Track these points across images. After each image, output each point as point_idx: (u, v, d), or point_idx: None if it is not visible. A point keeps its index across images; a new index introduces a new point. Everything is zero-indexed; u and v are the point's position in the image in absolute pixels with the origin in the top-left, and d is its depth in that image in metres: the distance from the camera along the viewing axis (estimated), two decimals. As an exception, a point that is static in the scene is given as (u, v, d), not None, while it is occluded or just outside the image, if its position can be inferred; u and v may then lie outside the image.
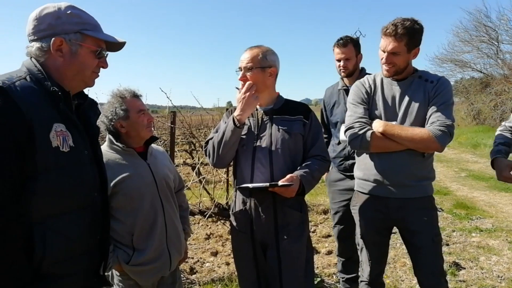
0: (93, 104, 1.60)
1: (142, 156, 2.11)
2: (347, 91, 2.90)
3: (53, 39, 1.36)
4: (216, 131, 2.28)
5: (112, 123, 2.03)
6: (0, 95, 1.20)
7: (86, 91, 1.62)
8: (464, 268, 3.96)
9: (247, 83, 2.11)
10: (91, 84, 1.51)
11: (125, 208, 1.99)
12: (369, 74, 2.87)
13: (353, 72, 3.01)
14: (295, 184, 2.01)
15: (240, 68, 2.18)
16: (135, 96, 2.09)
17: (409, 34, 2.12)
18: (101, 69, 1.52)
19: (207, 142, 2.28)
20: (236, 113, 2.10)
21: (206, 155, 2.28)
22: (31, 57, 1.40)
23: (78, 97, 1.52)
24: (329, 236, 4.83)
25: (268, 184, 2.00)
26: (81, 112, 1.50)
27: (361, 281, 2.55)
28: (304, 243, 2.18)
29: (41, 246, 1.27)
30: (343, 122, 2.72)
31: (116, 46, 1.55)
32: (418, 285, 2.36)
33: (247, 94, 2.09)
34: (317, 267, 3.85)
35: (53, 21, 1.37)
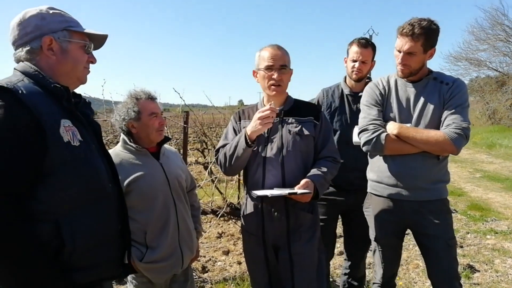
0: (87, 103, 1.63)
1: (155, 156, 2.14)
2: (354, 97, 2.80)
3: (43, 38, 1.39)
4: (225, 137, 2.26)
5: (124, 122, 2.06)
6: (6, 95, 1.23)
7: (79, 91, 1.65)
8: (479, 271, 3.90)
9: (273, 108, 2.00)
10: (84, 80, 1.55)
11: (138, 206, 2.02)
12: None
13: (364, 77, 2.82)
14: (311, 190, 1.99)
15: (268, 66, 2.07)
16: (150, 99, 2.10)
17: (426, 34, 2.09)
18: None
19: (217, 150, 2.26)
20: (249, 129, 2.02)
21: (217, 163, 2.26)
22: (22, 61, 1.41)
23: (73, 96, 1.54)
24: (341, 236, 4.79)
25: (287, 192, 1.96)
26: (79, 110, 1.52)
27: (374, 283, 2.54)
28: (315, 245, 2.17)
29: (70, 240, 1.31)
30: (344, 129, 2.68)
31: (98, 42, 1.57)
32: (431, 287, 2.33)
33: (269, 117, 1.98)
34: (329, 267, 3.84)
35: (38, 22, 1.39)
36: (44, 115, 1.27)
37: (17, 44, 1.42)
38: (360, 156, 2.56)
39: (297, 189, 1.97)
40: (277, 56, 2.07)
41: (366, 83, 2.73)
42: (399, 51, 2.18)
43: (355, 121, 2.57)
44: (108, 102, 5.02)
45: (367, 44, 2.75)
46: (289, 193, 1.96)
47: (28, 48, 1.40)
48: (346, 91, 2.85)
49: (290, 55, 2.16)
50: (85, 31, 1.48)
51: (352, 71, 2.78)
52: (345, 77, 2.91)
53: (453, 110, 2.13)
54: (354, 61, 2.76)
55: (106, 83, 4.28)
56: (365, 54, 2.74)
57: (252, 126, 2.02)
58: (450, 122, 2.11)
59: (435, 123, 2.18)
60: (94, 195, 1.43)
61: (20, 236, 1.21)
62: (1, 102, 1.21)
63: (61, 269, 1.30)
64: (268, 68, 2.07)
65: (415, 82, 2.26)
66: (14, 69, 1.41)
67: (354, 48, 2.76)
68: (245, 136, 2.03)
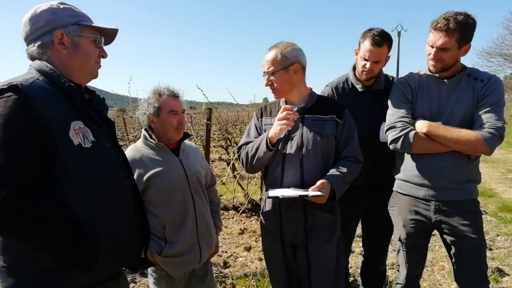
0: (101, 100, 1.63)
1: (175, 152, 2.17)
2: (368, 92, 2.56)
3: (54, 32, 1.39)
4: (248, 134, 2.28)
5: (145, 117, 2.11)
6: (18, 96, 1.24)
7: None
8: (508, 275, 3.75)
9: (287, 108, 2.03)
10: (96, 74, 1.55)
11: (157, 201, 2.06)
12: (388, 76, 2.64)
13: (375, 76, 2.54)
14: (325, 192, 1.95)
15: (264, 72, 2.12)
16: (173, 96, 2.12)
17: (461, 30, 2.00)
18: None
19: (240, 147, 2.28)
20: (270, 134, 2.04)
21: (239, 160, 2.28)
22: (39, 59, 1.42)
23: (87, 92, 1.55)
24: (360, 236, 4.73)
25: (298, 195, 1.93)
26: (92, 106, 1.53)
27: (397, 284, 2.50)
28: (334, 244, 2.14)
29: (95, 244, 1.32)
30: (362, 128, 2.42)
31: (109, 37, 1.57)
32: (457, 291, 2.26)
33: (289, 119, 2.00)
34: (351, 266, 3.79)
35: (50, 17, 1.40)
36: (53, 119, 1.28)
37: (29, 39, 1.43)
38: (375, 154, 2.48)
39: (310, 191, 1.94)
40: (265, 61, 2.10)
41: (378, 77, 2.57)
42: (432, 46, 2.09)
43: (368, 118, 2.47)
44: (134, 99, 5.14)
45: (382, 42, 2.36)
46: (300, 195, 1.93)
47: (39, 42, 1.40)
48: (358, 87, 2.58)
49: (295, 49, 2.09)
50: (95, 25, 1.49)
51: (363, 71, 2.47)
52: (354, 68, 2.63)
53: (487, 109, 2.04)
54: (366, 59, 2.42)
55: (132, 80, 4.38)
56: (379, 54, 2.39)
57: (272, 130, 2.03)
58: (484, 121, 2.02)
59: (468, 122, 2.09)
60: (110, 196, 1.44)
61: (41, 217, 1.23)
62: (13, 99, 1.23)
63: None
64: (263, 73, 2.13)
65: (448, 78, 2.17)
66: (30, 66, 1.42)
67: (367, 45, 2.39)
68: (266, 140, 2.04)
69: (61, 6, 1.44)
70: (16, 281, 1.33)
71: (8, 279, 1.33)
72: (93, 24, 1.48)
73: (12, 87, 1.25)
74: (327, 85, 2.72)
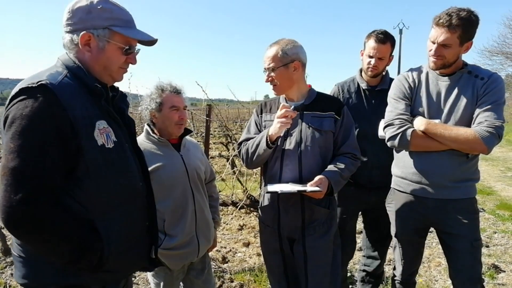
0: (124, 96, 1.62)
1: (176, 147, 2.20)
2: (371, 91, 2.68)
3: (81, 33, 1.37)
4: (248, 131, 2.31)
5: (147, 111, 2.14)
6: (46, 94, 1.23)
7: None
8: (504, 271, 3.79)
9: (285, 106, 2.05)
10: (119, 79, 1.52)
11: (157, 195, 2.06)
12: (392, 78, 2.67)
13: (380, 73, 2.66)
14: (323, 187, 1.98)
15: (264, 68, 2.14)
16: (175, 92, 2.15)
17: (463, 26, 1.97)
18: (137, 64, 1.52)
19: (240, 144, 2.30)
20: (270, 131, 2.06)
21: (239, 156, 2.31)
22: (67, 52, 1.42)
23: (111, 89, 1.55)
24: (361, 232, 4.76)
25: (296, 190, 1.97)
26: (115, 104, 1.53)
27: (393, 280, 2.52)
28: (330, 239, 2.18)
29: (108, 244, 1.33)
30: (363, 126, 2.57)
31: (148, 42, 1.53)
32: (452, 287, 2.28)
33: (288, 117, 2.01)
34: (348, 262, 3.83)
35: (84, 16, 1.38)
36: (79, 120, 1.28)
37: (64, 29, 1.41)
38: (380, 152, 2.53)
39: (308, 187, 1.97)
40: (266, 57, 2.12)
41: (383, 77, 2.67)
42: (433, 42, 2.06)
43: (373, 117, 2.52)
44: (134, 96, 5.16)
45: (385, 39, 2.54)
46: (298, 191, 1.97)
47: (69, 38, 1.40)
48: (363, 86, 2.71)
49: (296, 46, 2.11)
50: (128, 35, 1.43)
51: (368, 68, 2.61)
52: (361, 70, 2.77)
53: (486, 107, 2.01)
54: (371, 57, 2.59)
55: (132, 76, 4.40)
56: (383, 50, 2.56)
57: (272, 128, 2.06)
58: (483, 119, 2.00)
59: (467, 120, 2.07)
60: (126, 197, 1.44)
61: (57, 222, 1.24)
62: (41, 99, 1.22)
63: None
64: (264, 70, 2.15)
65: (448, 76, 2.15)
66: (58, 58, 1.42)
67: (371, 43, 2.57)
68: (267, 138, 2.06)
69: (99, 6, 1.39)
70: (32, 272, 1.35)
71: (24, 268, 1.35)
72: (125, 34, 1.43)
73: (42, 87, 1.24)
74: (335, 85, 2.84)
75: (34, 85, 1.24)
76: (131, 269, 1.59)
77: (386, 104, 2.41)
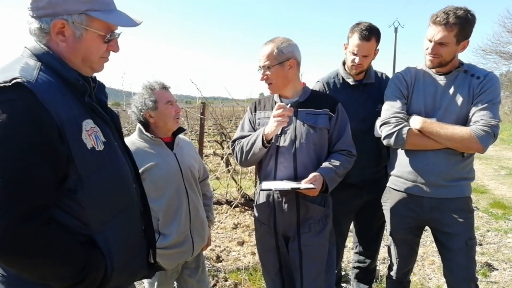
0: (102, 87, 1.42)
1: (170, 146, 2.19)
2: (359, 86, 2.56)
3: (53, 21, 1.15)
4: (242, 128, 2.29)
5: (141, 113, 2.11)
6: (24, 95, 1.03)
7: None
8: (497, 270, 3.81)
9: (287, 110, 2.01)
10: (99, 69, 1.32)
11: (151, 194, 2.06)
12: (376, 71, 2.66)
13: (365, 70, 2.56)
14: (318, 185, 1.98)
15: (259, 67, 2.14)
16: (164, 88, 2.16)
17: (460, 24, 1.99)
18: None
19: (234, 141, 2.29)
20: (267, 130, 2.04)
21: (233, 154, 2.30)
22: (36, 40, 1.19)
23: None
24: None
25: (290, 187, 1.97)
26: (95, 97, 1.33)
27: (387, 278, 2.53)
28: (326, 237, 2.18)
29: (110, 259, 1.21)
30: (355, 124, 2.44)
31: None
32: (446, 285, 2.29)
33: (284, 116, 2.00)
34: (343, 261, 3.83)
35: None
36: (65, 123, 1.09)
37: (29, 13, 1.17)
38: (373, 149, 2.52)
39: (302, 184, 1.97)
40: (261, 56, 2.12)
41: (367, 71, 2.59)
42: (430, 41, 2.08)
43: (361, 113, 2.49)
44: (128, 93, 5.13)
45: (370, 36, 2.39)
46: (292, 188, 1.96)
47: (38, 25, 1.16)
48: (350, 81, 2.58)
49: (291, 45, 2.11)
50: (109, 21, 1.22)
51: (352, 65, 2.49)
52: (343, 63, 2.63)
53: (482, 106, 2.03)
54: (355, 54, 2.45)
55: (125, 74, 4.37)
56: (367, 48, 2.42)
57: (269, 126, 2.05)
58: (478, 118, 2.01)
59: (462, 119, 2.09)
60: (122, 203, 1.30)
61: (50, 240, 1.09)
62: (19, 102, 1.02)
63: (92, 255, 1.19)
64: (259, 68, 2.15)
65: (444, 74, 2.17)
66: (25, 48, 1.19)
67: (355, 40, 2.41)
68: (262, 137, 2.05)
69: None
70: None
71: None
72: (105, 20, 1.21)
73: (17, 86, 1.03)
74: (318, 81, 2.70)
75: (7, 84, 1.02)
76: (133, 280, 1.46)
77: (373, 99, 2.41)
